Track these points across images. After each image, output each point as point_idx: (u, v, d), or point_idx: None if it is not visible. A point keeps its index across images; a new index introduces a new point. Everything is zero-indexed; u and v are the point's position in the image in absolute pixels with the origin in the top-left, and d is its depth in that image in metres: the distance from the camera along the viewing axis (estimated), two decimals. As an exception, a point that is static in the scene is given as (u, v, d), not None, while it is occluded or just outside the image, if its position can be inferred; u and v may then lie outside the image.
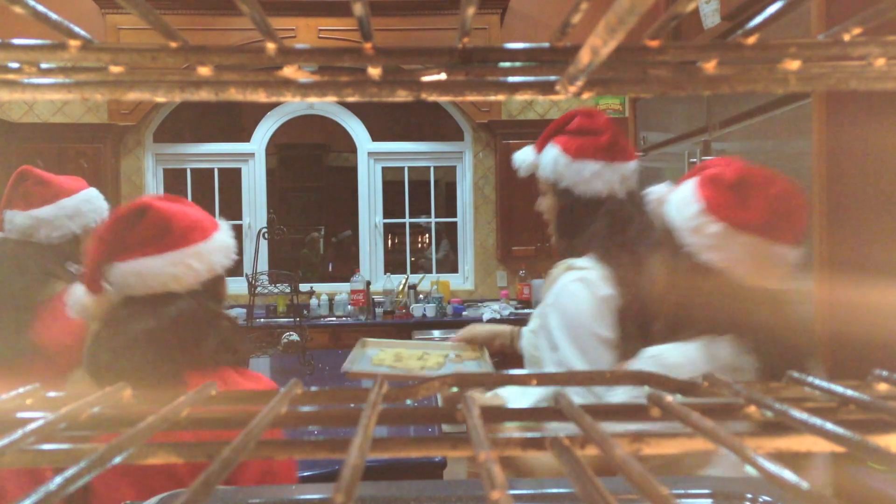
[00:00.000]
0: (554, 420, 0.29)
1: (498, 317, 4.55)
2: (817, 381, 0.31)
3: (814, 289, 1.66)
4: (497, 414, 0.30)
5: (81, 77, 0.26)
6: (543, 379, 0.35)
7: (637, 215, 1.43)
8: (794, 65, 0.26)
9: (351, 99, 0.26)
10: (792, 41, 0.25)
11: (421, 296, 4.95)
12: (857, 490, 1.44)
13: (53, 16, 0.24)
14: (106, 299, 1.19)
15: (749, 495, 0.72)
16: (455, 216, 5.36)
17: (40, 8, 0.23)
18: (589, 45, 0.22)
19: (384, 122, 5.57)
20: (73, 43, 0.25)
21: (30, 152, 4.43)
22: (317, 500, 0.80)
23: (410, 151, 5.33)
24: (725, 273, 1.06)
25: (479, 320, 4.59)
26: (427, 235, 6.27)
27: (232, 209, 5.18)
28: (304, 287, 3.55)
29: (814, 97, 1.67)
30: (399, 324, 4.62)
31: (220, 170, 5.24)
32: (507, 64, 0.26)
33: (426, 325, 4.62)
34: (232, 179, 5.23)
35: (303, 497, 0.82)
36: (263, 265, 4.96)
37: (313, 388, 0.33)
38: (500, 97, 0.26)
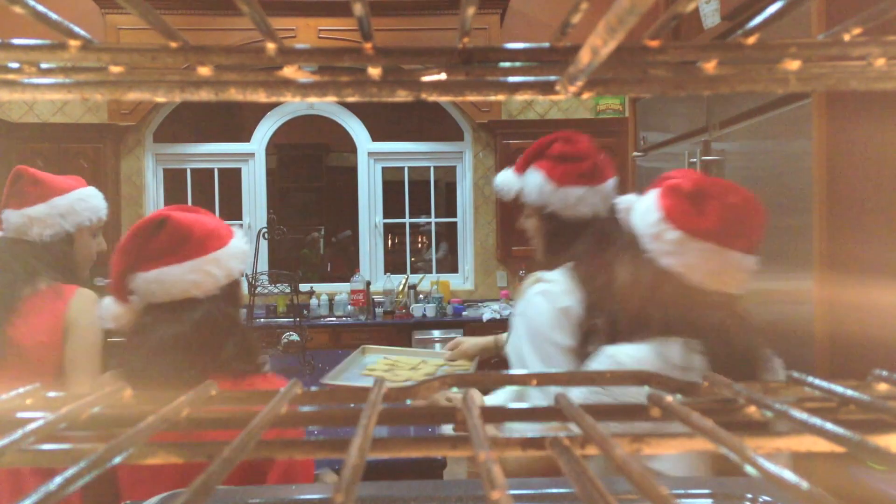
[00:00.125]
0: (554, 420, 0.29)
1: (498, 317, 4.55)
2: (817, 381, 0.31)
3: (814, 289, 1.66)
4: (497, 414, 0.30)
5: (81, 77, 0.26)
6: (543, 379, 0.35)
7: (618, 230, 1.50)
8: (794, 65, 0.26)
9: (351, 99, 0.26)
10: (792, 41, 0.25)
11: (421, 296, 4.95)
12: (857, 490, 1.44)
13: (53, 16, 0.24)
14: (133, 308, 1.25)
15: (749, 495, 0.72)
16: (455, 216, 5.36)
17: (40, 8, 0.23)
18: (589, 45, 0.22)
19: (384, 122, 5.57)
20: (73, 43, 0.25)
21: (30, 152, 4.43)
22: (317, 500, 0.80)
23: (410, 151, 5.33)
24: (683, 277, 1.12)
25: (479, 320, 4.59)
26: (425, 237, 6.27)
27: (232, 209, 5.18)
28: (304, 287, 3.56)
29: (814, 97, 1.67)
30: (399, 324, 4.62)
31: (220, 170, 5.24)
32: (507, 64, 0.26)
33: (426, 325, 4.62)
34: (232, 179, 5.23)
35: (303, 497, 0.82)
36: (263, 265, 4.96)
37: (313, 388, 0.33)
38: (500, 97, 0.26)
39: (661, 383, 0.32)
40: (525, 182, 1.61)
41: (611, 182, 1.61)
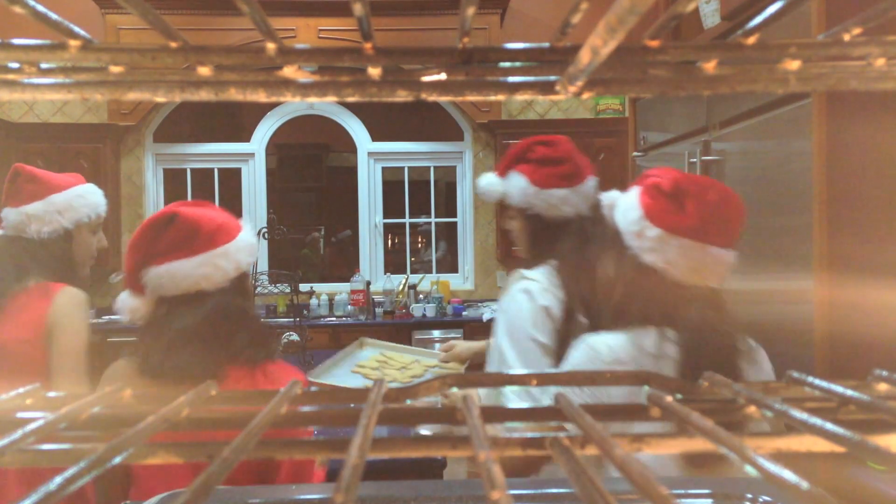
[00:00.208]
0: (554, 420, 0.30)
1: (498, 317, 4.55)
2: (817, 381, 0.31)
3: (814, 289, 1.66)
4: (497, 414, 0.30)
5: (81, 77, 0.26)
6: (543, 379, 0.35)
7: (600, 227, 1.58)
8: (794, 65, 0.26)
9: (351, 99, 0.26)
10: (792, 41, 0.25)
11: (421, 296, 4.95)
12: (857, 490, 1.44)
13: (53, 16, 0.24)
14: (147, 302, 1.29)
15: (749, 495, 0.72)
16: (455, 216, 5.36)
17: (40, 8, 0.23)
18: (589, 45, 0.22)
19: (384, 122, 5.57)
20: (73, 43, 0.25)
21: (30, 152, 4.43)
22: (317, 500, 0.80)
23: (410, 151, 5.33)
24: (665, 273, 1.16)
25: (479, 320, 4.59)
26: (423, 237, 6.27)
27: (232, 209, 5.15)
28: (304, 287, 3.56)
29: (814, 97, 1.67)
30: (399, 324, 4.62)
31: (220, 170, 5.24)
32: (507, 64, 0.26)
33: (426, 325, 4.62)
34: (232, 179, 5.23)
35: (303, 497, 0.82)
36: (263, 265, 4.96)
37: (313, 389, 0.33)
38: (500, 97, 0.26)
39: (660, 383, 0.32)
40: (507, 185, 1.67)
41: (590, 182, 1.67)
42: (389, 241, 5.78)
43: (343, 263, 6.41)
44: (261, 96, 0.26)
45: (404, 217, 5.47)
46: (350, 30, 4.49)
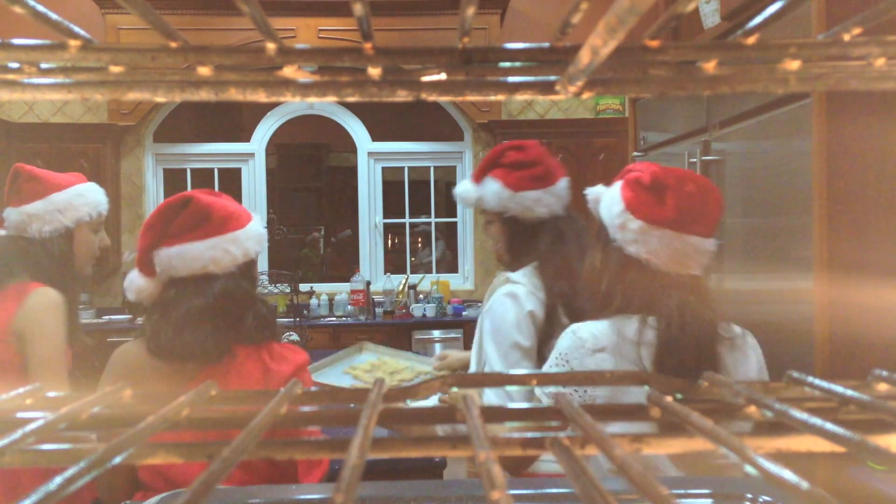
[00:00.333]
0: (554, 420, 0.30)
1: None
2: (817, 381, 0.31)
3: (814, 289, 1.66)
4: (497, 414, 0.30)
5: (81, 77, 0.26)
6: (543, 379, 0.35)
7: (573, 225, 1.70)
8: (794, 65, 0.26)
9: (351, 99, 0.26)
10: (792, 41, 0.25)
11: (421, 296, 4.94)
12: (857, 490, 1.44)
13: (53, 16, 0.24)
14: (155, 283, 1.33)
15: (749, 495, 0.72)
16: (455, 216, 5.36)
17: (40, 8, 0.23)
18: (589, 45, 0.22)
19: (384, 122, 5.57)
20: (73, 43, 0.25)
21: (30, 152, 4.43)
22: (317, 500, 0.80)
23: (410, 151, 5.33)
24: (648, 263, 1.22)
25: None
26: (423, 238, 6.27)
27: (232, 209, 5.17)
28: (304, 287, 3.56)
29: (814, 97, 1.67)
30: (399, 324, 4.62)
31: (220, 170, 5.23)
32: (507, 64, 0.26)
33: (426, 325, 4.62)
34: (232, 179, 5.23)
35: (303, 497, 0.82)
36: (263, 265, 4.96)
37: (313, 389, 0.33)
38: (500, 97, 0.26)
39: (660, 383, 0.32)
40: (483, 191, 1.73)
41: (562, 182, 1.74)
42: (389, 241, 5.78)
43: (343, 263, 6.41)
44: (261, 96, 0.26)
45: (404, 217, 5.47)
46: (350, 30, 4.49)
